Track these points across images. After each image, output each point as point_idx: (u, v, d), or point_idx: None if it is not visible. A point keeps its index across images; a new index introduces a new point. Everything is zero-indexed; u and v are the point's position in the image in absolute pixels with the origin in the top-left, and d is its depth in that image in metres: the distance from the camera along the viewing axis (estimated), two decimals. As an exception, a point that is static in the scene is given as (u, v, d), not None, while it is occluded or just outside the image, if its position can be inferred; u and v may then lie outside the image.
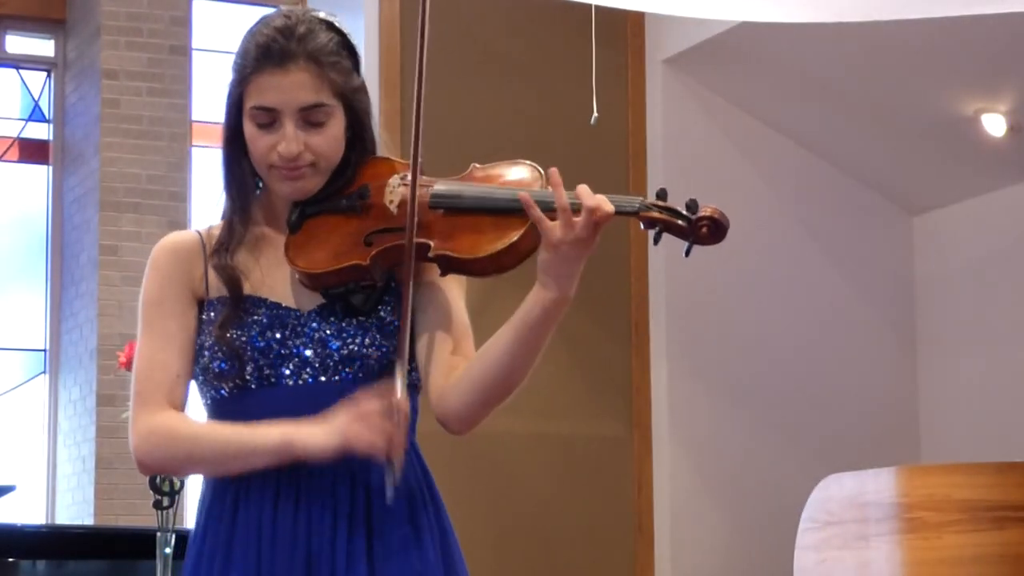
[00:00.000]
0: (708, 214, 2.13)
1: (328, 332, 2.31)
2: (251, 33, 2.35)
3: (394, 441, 2.17)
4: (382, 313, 2.32)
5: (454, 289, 2.36)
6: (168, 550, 4.13)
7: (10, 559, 4.68)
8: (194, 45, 7.44)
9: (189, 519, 6.72)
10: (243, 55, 2.33)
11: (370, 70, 5.98)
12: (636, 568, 6.13)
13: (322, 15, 2.38)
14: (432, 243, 2.24)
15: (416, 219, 2.24)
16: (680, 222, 2.14)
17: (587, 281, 6.64)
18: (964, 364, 6.34)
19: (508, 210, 2.20)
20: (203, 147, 7.44)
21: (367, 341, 2.30)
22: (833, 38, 5.56)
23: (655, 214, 2.14)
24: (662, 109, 6.25)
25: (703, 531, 6.13)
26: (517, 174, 2.28)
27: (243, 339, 2.31)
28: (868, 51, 5.69)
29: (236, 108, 2.35)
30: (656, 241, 2.17)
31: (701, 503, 6.16)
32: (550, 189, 2.17)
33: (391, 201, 2.29)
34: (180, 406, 2.36)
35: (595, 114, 5.41)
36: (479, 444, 5.90)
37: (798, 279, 6.39)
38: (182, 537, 4.13)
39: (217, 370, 2.32)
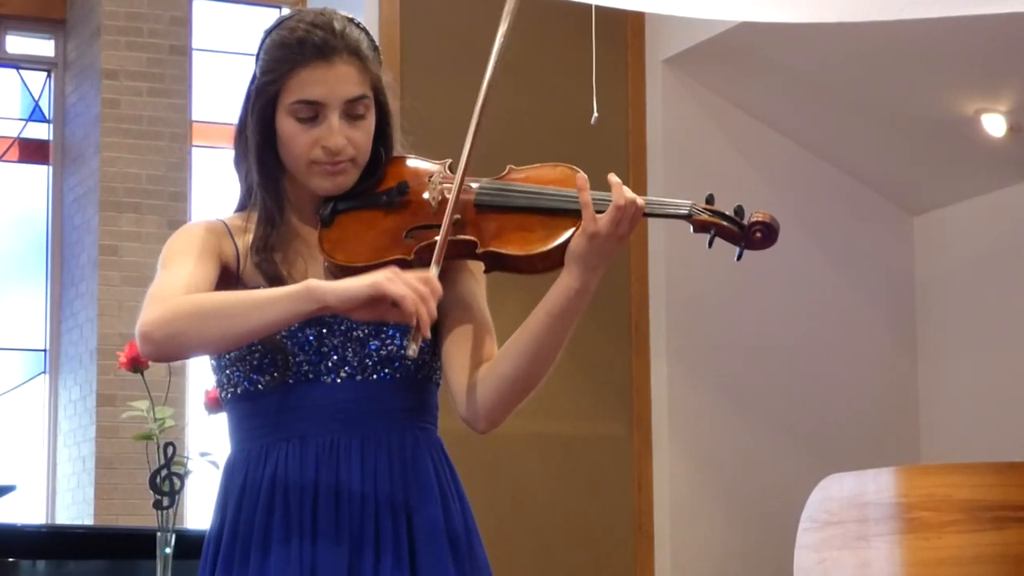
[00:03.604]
0: (760, 219, 2.18)
1: (367, 331, 2.30)
2: (281, 32, 2.30)
3: (425, 301, 2.09)
4: None
5: (477, 289, 2.36)
6: (168, 550, 4.13)
7: (10, 559, 4.68)
8: (194, 45, 7.43)
9: (189, 519, 6.73)
10: (279, 51, 2.28)
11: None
12: (636, 568, 6.13)
13: (343, 14, 2.37)
14: (478, 240, 2.26)
15: (461, 217, 2.26)
16: (733, 227, 2.18)
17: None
18: (964, 364, 6.34)
19: (558, 209, 2.24)
20: (203, 147, 7.44)
21: (403, 343, 2.29)
22: (833, 38, 5.56)
23: (707, 217, 2.19)
24: (662, 109, 6.25)
25: (703, 531, 6.13)
26: (559, 175, 2.32)
27: (283, 334, 2.26)
28: (868, 51, 5.69)
29: (269, 106, 2.30)
30: (711, 244, 2.21)
31: (701, 503, 6.16)
32: (587, 193, 2.23)
33: (434, 198, 2.29)
34: None
35: (595, 114, 5.41)
36: (479, 444, 5.89)
37: (798, 279, 6.40)
38: (182, 537, 4.14)
39: (257, 363, 2.28)
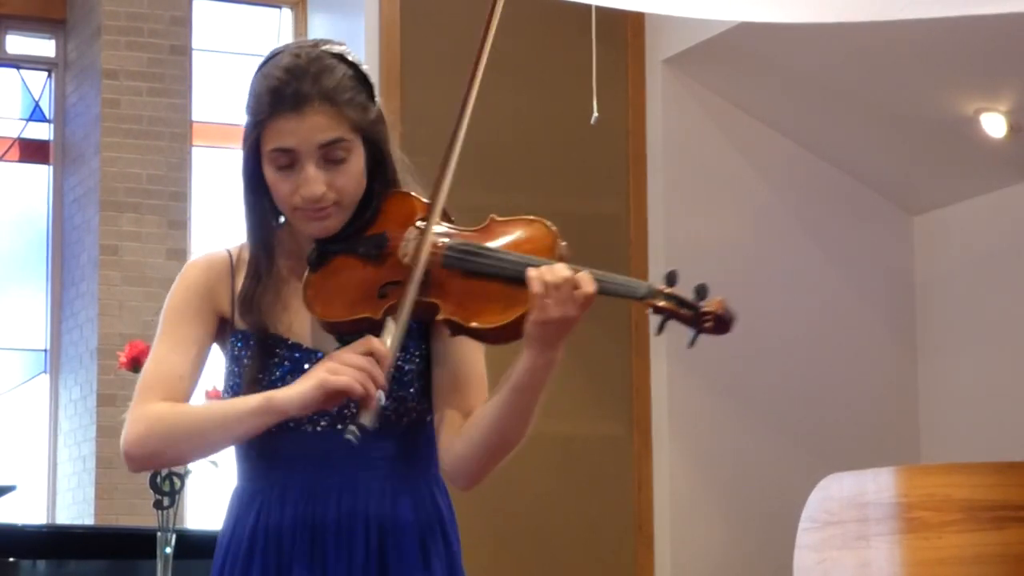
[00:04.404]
0: (713, 310, 2.13)
1: None
2: (261, 75, 2.29)
3: (372, 380, 2.15)
4: (400, 362, 2.29)
5: (471, 342, 2.30)
6: (168, 550, 4.13)
7: (10, 559, 4.68)
8: (194, 45, 7.43)
9: (189, 519, 6.73)
10: (256, 99, 2.27)
11: (370, 70, 5.97)
12: (636, 568, 6.13)
13: (331, 48, 2.32)
14: (440, 304, 2.22)
15: (430, 276, 2.22)
16: (685, 311, 2.13)
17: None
18: (964, 364, 6.34)
19: (517, 280, 2.16)
20: (203, 147, 7.44)
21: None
22: (833, 38, 5.56)
23: (661, 303, 2.13)
24: (662, 109, 6.25)
25: (703, 531, 6.13)
26: (530, 235, 2.23)
27: (265, 384, 2.29)
28: (868, 51, 5.69)
29: (254, 151, 2.29)
30: (659, 331, 2.15)
31: (701, 503, 6.16)
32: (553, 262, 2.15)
33: (406, 254, 2.25)
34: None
35: (595, 114, 5.41)
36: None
37: (798, 279, 6.39)
38: (182, 537, 4.14)
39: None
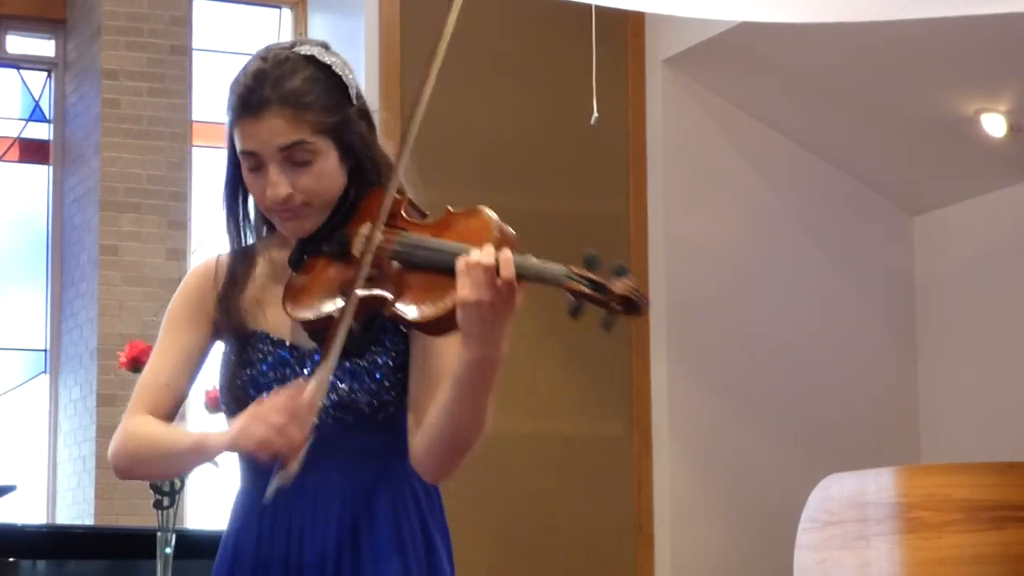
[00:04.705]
0: (621, 292, 2.09)
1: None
2: (233, 80, 2.36)
3: (289, 441, 2.16)
4: (376, 357, 2.31)
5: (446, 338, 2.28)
6: (168, 550, 4.13)
7: (10, 559, 4.68)
8: (194, 45, 7.43)
9: (189, 519, 6.73)
10: (228, 102, 2.34)
11: (370, 70, 5.97)
12: (636, 568, 6.13)
13: (305, 49, 2.34)
14: (387, 298, 2.21)
15: (380, 272, 2.22)
16: (598, 295, 2.08)
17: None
18: (964, 364, 6.34)
19: (450, 269, 2.13)
20: (203, 147, 7.44)
21: (355, 387, 2.30)
22: (833, 38, 5.56)
23: (577, 286, 2.09)
24: (662, 109, 6.25)
25: (703, 531, 6.13)
26: (473, 224, 2.21)
27: (245, 378, 2.34)
28: (868, 51, 5.69)
29: (232, 151, 2.36)
30: (573, 314, 2.10)
31: (701, 503, 6.16)
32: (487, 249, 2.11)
33: (359, 251, 2.26)
34: (161, 415, 2.38)
35: (595, 114, 5.41)
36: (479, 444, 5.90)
37: (798, 279, 6.39)
38: (182, 537, 4.14)
39: (223, 410, 2.39)
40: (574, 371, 6.12)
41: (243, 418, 2.20)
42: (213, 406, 3.97)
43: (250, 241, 2.44)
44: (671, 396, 6.15)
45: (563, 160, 6.12)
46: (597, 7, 5.52)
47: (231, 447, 2.22)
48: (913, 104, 5.96)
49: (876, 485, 4.94)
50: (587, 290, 2.08)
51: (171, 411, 2.39)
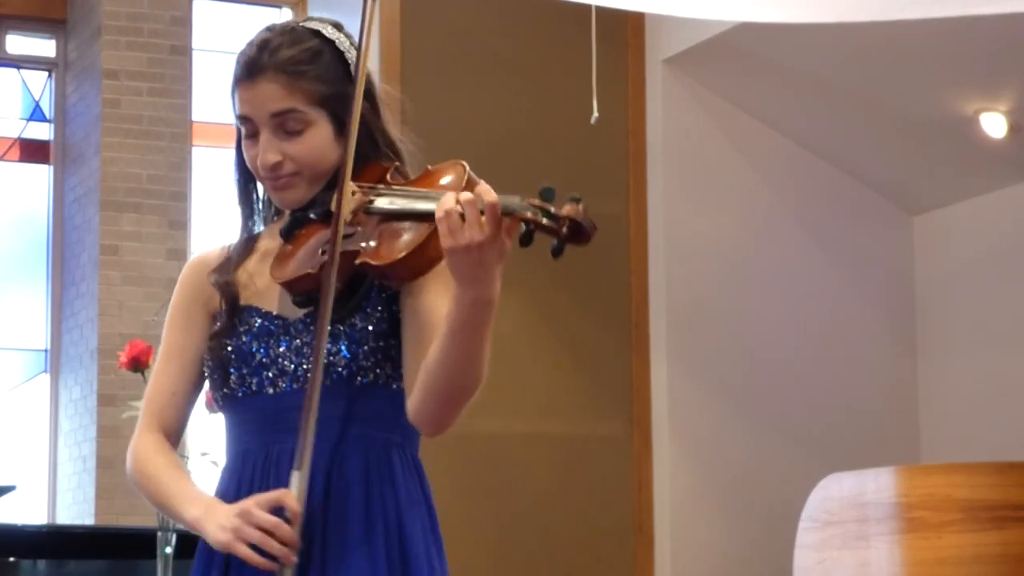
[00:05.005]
0: (568, 214, 2.07)
1: (305, 340, 2.32)
2: (241, 48, 2.39)
3: (277, 551, 2.17)
4: (356, 320, 2.30)
5: (432, 293, 2.29)
6: (168, 550, 4.13)
7: (10, 559, 4.68)
8: (194, 45, 7.44)
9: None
10: (232, 70, 2.38)
11: (370, 69, 5.97)
12: (636, 568, 6.13)
13: (311, 24, 2.38)
14: (361, 250, 2.23)
15: (359, 228, 2.25)
16: (547, 220, 2.08)
17: (587, 281, 6.62)
18: (964, 364, 6.34)
19: (423, 215, 2.17)
20: (203, 147, 7.44)
21: (333, 350, 2.29)
22: (833, 38, 5.56)
23: (528, 214, 2.09)
24: (662, 109, 6.25)
25: (703, 531, 6.13)
26: (448, 175, 2.26)
27: (229, 348, 2.34)
28: (868, 51, 5.69)
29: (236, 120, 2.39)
30: (524, 242, 2.10)
31: (701, 503, 6.16)
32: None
33: (335, 208, 2.28)
34: (171, 424, 2.41)
35: (595, 114, 5.41)
36: (479, 444, 5.91)
37: (798, 279, 6.40)
38: (182, 537, 4.14)
39: (207, 378, 2.39)
40: (574, 371, 6.12)
41: (234, 519, 2.20)
42: (213, 406, 3.97)
43: (259, 225, 2.46)
44: (671, 396, 6.15)
45: (563, 160, 6.12)
46: (597, 7, 5.52)
47: (224, 550, 2.22)
48: (913, 104, 5.96)
49: (876, 485, 4.94)
50: (537, 216, 2.09)
51: (181, 420, 2.42)
